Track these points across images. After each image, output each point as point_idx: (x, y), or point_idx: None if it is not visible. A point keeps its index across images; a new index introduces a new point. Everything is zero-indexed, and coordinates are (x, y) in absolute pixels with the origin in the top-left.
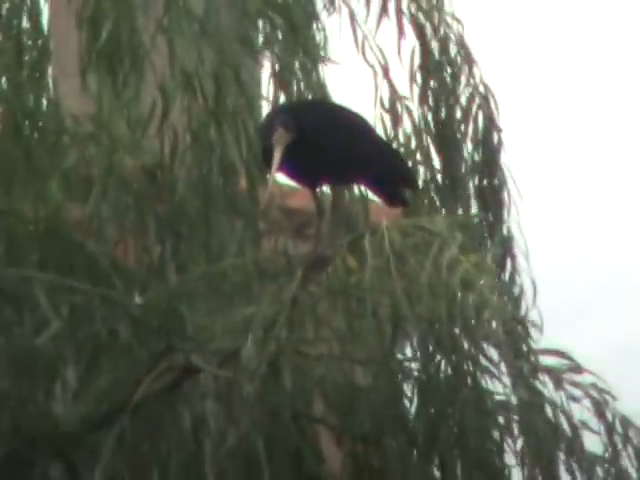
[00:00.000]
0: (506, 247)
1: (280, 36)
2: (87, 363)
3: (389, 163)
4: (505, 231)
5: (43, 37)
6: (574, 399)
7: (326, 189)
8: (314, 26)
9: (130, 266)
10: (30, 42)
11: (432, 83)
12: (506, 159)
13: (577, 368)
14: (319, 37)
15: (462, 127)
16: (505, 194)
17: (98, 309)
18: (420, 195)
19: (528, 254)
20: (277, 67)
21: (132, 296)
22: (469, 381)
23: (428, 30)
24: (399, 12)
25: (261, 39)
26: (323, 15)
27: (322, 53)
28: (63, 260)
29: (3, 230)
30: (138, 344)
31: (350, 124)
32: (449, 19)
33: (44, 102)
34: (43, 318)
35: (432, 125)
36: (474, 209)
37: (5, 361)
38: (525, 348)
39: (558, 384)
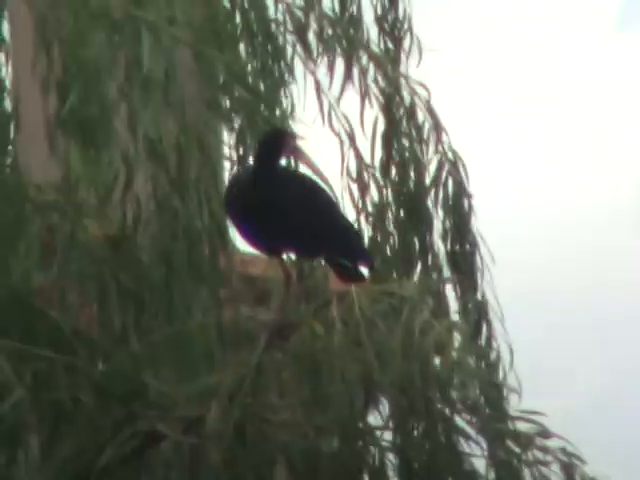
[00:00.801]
0: (481, 312)
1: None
2: (50, 431)
3: (345, 240)
4: (479, 296)
5: (5, 103)
6: (544, 463)
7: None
8: (281, 94)
9: (93, 334)
10: None
11: (397, 150)
12: (477, 224)
13: (546, 433)
14: (285, 104)
15: (432, 194)
16: (477, 259)
17: (61, 376)
18: (389, 263)
19: (503, 318)
20: (242, 135)
21: (95, 363)
22: (444, 443)
23: (394, 97)
24: (363, 79)
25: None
26: (288, 83)
27: (289, 121)
28: (26, 327)
29: None
30: (101, 411)
31: (313, 197)
32: (415, 86)
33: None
34: (6, 385)
35: (400, 193)
36: (447, 275)
37: None
38: (499, 411)
39: (526, 448)
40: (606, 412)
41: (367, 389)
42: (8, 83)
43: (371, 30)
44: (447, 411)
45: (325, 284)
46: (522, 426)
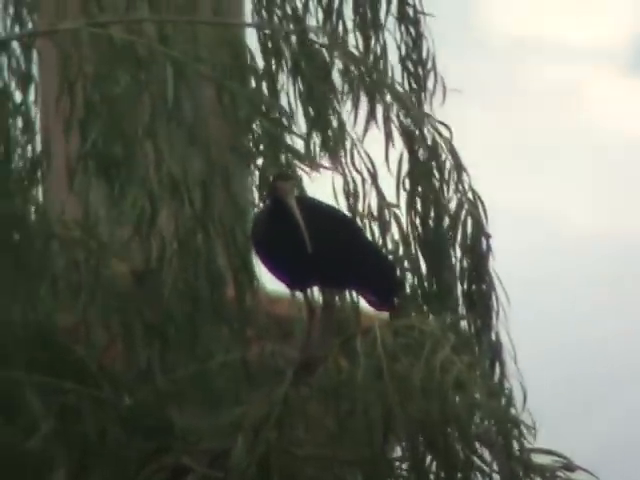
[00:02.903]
0: (495, 352)
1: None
2: (77, 464)
3: (379, 268)
4: (493, 336)
5: (34, 142)
6: None
7: (316, 291)
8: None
9: (118, 370)
10: (21, 148)
11: (420, 189)
12: (494, 265)
13: (570, 466)
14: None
15: (450, 233)
16: (493, 300)
17: (88, 410)
18: (408, 301)
19: (516, 359)
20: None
21: (121, 399)
22: None
23: (416, 137)
24: (386, 119)
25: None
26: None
27: (315, 160)
28: (52, 364)
29: None
30: (128, 445)
31: (342, 227)
32: (438, 125)
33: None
34: (33, 419)
35: (420, 232)
36: (462, 314)
37: None
38: (518, 448)
39: None
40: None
41: (387, 424)
42: (38, 122)
43: (396, 69)
44: (465, 450)
45: (352, 319)
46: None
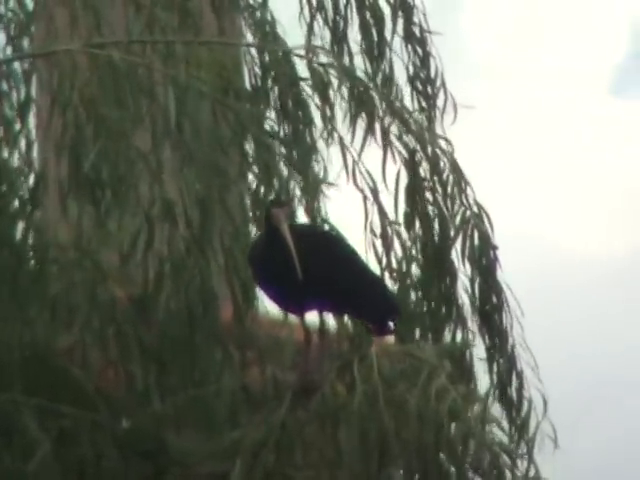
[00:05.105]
0: (510, 363)
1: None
2: None
3: (375, 294)
4: (509, 348)
5: (32, 167)
6: None
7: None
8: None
9: (115, 392)
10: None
11: (421, 205)
12: (502, 276)
13: None
14: (317, 166)
15: (457, 247)
16: (505, 311)
17: (85, 433)
18: (414, 320)
19: (535, 367)
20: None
21: (118, 421)
22: None
23: (417, 152)
24: (385, 134)
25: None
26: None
27: (320, 187)
28: (49, 386)
29: None
30: (125, 468)
31: (340, 253)
32: (439, 140)
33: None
34: (31, 442)
35: (424, 248)
36: (474, 329)
37: None
38: (510, 477)
39: None
40: None
41: (383, 450)
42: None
43: (405, 89)
44: (459, 477)
45: (346, 343)
46: None
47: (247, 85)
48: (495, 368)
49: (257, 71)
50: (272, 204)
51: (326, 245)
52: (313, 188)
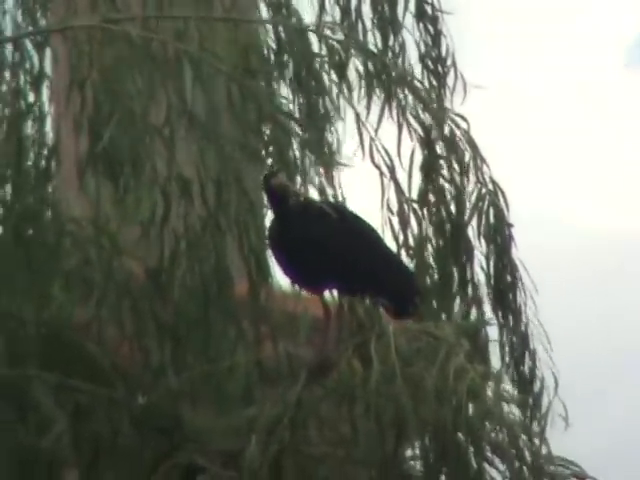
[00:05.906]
0: (524, 342)
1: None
2: (90, 464)
3: (397, 278)
4: (523, 327)
5: (47, 142)
6: None
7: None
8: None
9: (130, 368)
10: (34, 147)
11: (437, 182)
12: (517, 254)
13: (581, 474)
14: (332, 140)
15: (473, 224)
16: (520, 289)
17: (101, 409)
18: (430, 297)
19: (548, 346)
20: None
21: (134, 398)
22: None
23: (432, 129)
24: (401, 111)
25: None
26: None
27: (335, 157)
28: (65, 362)
29: (5, 332)
30: (141, 444)
31: (360, 233)
32: (455, 117)
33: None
34: (46, 418)
35: (440, 225)
36: (488, 307)
37: (6, 461)
38: (530, 455)
39: None
40: None
41: (399, 429)
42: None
43: (415, 67)
44: (477, 457)
45: (365, 320)
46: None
47: (263, 61)
48: (507, 347)
49: (272, 46)
50: (267, 178)
51: (348, 226)
52: (328, 159)
